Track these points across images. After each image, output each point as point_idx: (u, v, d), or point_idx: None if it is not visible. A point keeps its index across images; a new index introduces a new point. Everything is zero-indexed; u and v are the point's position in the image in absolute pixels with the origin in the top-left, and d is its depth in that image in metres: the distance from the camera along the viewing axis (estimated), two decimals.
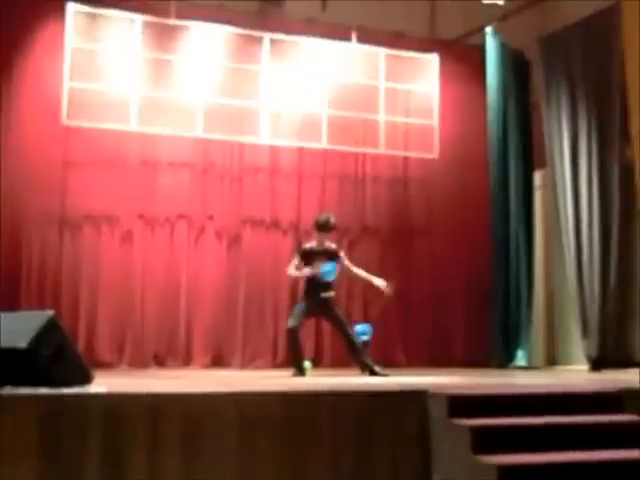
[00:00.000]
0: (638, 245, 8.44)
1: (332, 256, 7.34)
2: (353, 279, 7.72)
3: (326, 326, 9.42)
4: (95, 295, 8.68)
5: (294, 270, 7.39)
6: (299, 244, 7.62)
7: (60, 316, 5.40)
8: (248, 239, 9.34)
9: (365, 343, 7.24)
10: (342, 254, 7.48)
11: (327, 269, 7.21)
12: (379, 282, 7.50)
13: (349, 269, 7.52)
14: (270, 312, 9.33)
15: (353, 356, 7.29)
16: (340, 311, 7.39)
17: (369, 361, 7.19)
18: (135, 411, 4.29)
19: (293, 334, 7.15)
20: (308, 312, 7.33)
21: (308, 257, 7.33)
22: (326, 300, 7.26)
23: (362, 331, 7.23)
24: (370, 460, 4.73)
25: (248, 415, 4.52)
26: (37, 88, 8.54)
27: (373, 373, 7.09)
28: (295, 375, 7.05)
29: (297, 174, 9.61)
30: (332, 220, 7.36)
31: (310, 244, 7.48)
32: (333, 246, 7.48)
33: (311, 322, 9.39)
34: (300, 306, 7.34)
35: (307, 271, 7.25)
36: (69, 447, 4.14)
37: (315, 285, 7.26)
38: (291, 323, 7.19)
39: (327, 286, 7.27)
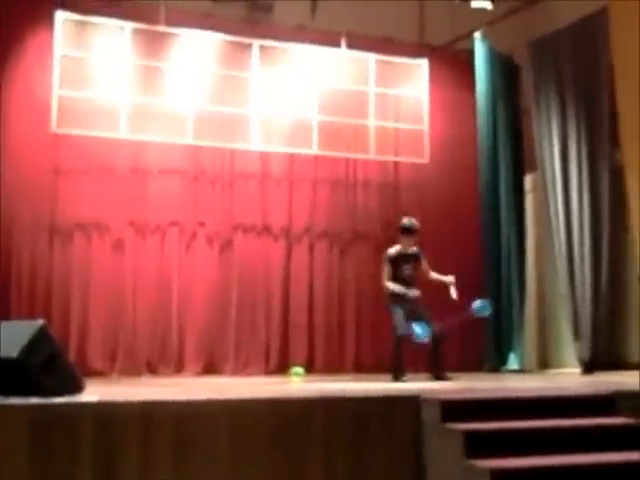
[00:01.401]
0: (628, 248, 8.47)
1: (415, 259, 7.70)
2: (431, 282, 7.84)
3: (319, 331, 9.47)
4: (86, 303, 8.64)
5: (391, 285, 7.60)
6: (385, 252, 7.83)
7: (51, 325, 5.40)
8: (239, 245, 9.33)
9: (423, 343, 7.49)
10: (423, 257, 7.79)
11: (420, 331, 7.39)
12: (448, 279, 7.74)
13: (426, 272, 7.80)
14: (262, 319, 9.30)
15: (433, 358, 7.55)
16: (425, 309, 7.58)
17: (442, 366, 7.50)
18: (127, 419, 4.28)
19: (401, 341, 7.42)
20: (407, 314, 7.49)
21: (396, 262, 7.66)
22: (414, 299, 7.57)
23: (482, 307, 7.52)
24: (363, 465, 4.73)
25: (240, 422, 4.51)
26: (27, 96, 8.51)
27: (439, 378, 7.35)
28: (396, 381, 7.23)
29: (288, 180, 9.61)
30: (416, 223, 7.76)
31: (395, 249, 7.74)
32: (415, 249, 7.78)
33: (303, 327, 9.42)
34: (399, 312, 7.49)
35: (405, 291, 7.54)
36: (60, 457, 4.12)
37: (402, 285, 7.57)
38: (401, 331, 7.41)
39: (412, 285, 7.62)
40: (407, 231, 7.74)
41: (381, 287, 7.76)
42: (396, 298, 7.58)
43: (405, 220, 7.83)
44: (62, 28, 8.40)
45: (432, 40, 10.13)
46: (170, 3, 8.78)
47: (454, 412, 4.76)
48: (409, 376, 7.41)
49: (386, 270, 7.68)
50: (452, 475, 4.54)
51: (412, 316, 7.52)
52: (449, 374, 7.54)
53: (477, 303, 7.55)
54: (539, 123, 9.48)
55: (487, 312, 7.57)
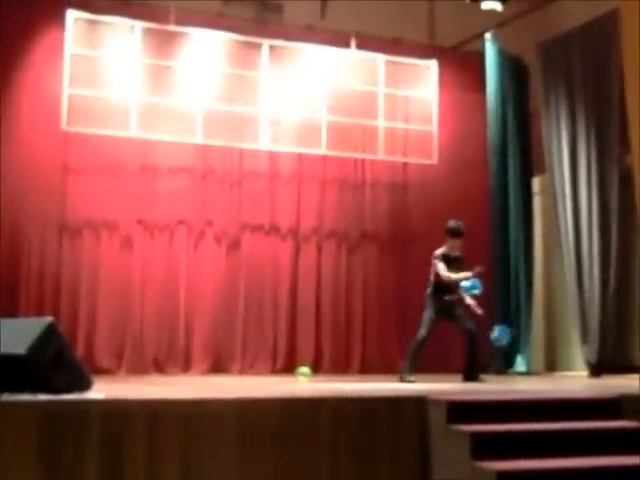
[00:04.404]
0: (637, 251, 8.45)
1: (458, 263, 7.63)
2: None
3: (325, 331, 9.48)
4: (94, 301, 8.68)
5: (452, 274, 7.54)
6: (433, 254, 7.78)
7: (59, 322, 5.40)
8: (247, 244, 9.34)
9: (476, 296, 7.53)
10: (462, 263, 7.72)
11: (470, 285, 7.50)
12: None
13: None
14: (269, 318, 9.32)
15: (468, 357, 7.53)
16: (462, 311, 7.60)
17: (476, 367, 7.50)
18: (134, 417, 4.29)
19: (422, 343, 7.47)
20: (437, 318, 7.54)
21: (446, 263, 7.61)
22: (451, 302, 7.59)
23: (472, 286, 7.45)
24: (370, 466, 4.73)
25: (247, 421, 4.52)
26: (37, 94, 8.55)
27: (471, 379, 7.35)
28: (404, 381, 7.25)
29: (296, 180, 9.62)
30: (462, 225, 7.75)
31: (440, 250, 7.70)
32: (458, 254, 7.74)
33: (310, 327, 9.43)
34: (429, 313, 7.53)
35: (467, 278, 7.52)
36: (68, 453, 4.14)
37: (441, 290, 7.57)
38: (423, 333, 7.47)
39: (450, 289, 7.59)
40: (454, 233, 7.71)
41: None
42: (434, 299, 7.56)
43: (452, 222, 7.79)
44: (73, 27, 8.43)
45: (442, 41, 10.13)
46: (180, 3, 8.80)
47: (461, 413, 4.76)
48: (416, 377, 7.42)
49: (441, 266, 7.56)
50: (458, 477, 4.54)
51: (446, 318, 7.58)
52: (483, 376, 7.56)
53: (467, 283, 7.47)
54: (548, 125, 9.47)
55: (476, 291, 7.50)
